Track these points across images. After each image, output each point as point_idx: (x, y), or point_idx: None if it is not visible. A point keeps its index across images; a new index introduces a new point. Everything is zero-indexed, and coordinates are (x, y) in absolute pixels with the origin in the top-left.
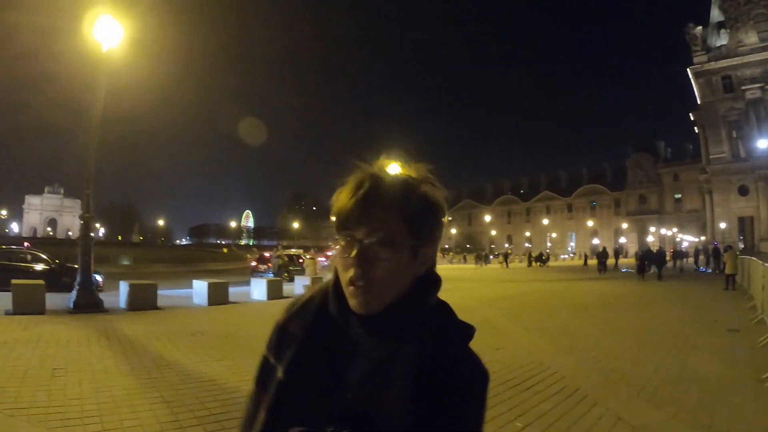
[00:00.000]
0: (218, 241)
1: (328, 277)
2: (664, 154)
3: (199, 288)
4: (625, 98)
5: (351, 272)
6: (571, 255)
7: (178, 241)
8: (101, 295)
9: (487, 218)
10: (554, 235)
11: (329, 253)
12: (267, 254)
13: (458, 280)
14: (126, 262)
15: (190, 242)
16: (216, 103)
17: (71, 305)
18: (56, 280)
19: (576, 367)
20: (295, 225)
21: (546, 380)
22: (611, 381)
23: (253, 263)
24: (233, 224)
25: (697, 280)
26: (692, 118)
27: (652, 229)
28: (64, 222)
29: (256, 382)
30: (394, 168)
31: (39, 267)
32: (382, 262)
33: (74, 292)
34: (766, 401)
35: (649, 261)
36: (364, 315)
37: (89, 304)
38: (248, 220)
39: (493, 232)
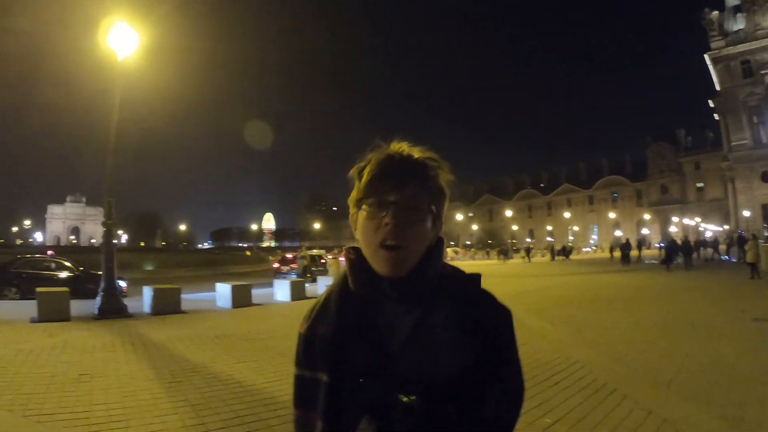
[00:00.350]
0: (240, 245)
1: None
2: (685, 142)
3: (223, 291)
4: (643, 87)
5: (383, 234)
6: (594, 248)
7: (200, 246)
8: (125, 301)
9: (508, 213)
10: (576, 228)
11: None
12: (289, 256)
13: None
14: (149, 268)
15: (212, 246)
16: (235, 108)
17: (96, 311)
18: (81, 287)
19: (603, 361)
20: (316, 226)
21: (574, 374)
22: (639, 374)
23: (276, 265)
24: (254, 227)
25: (722, 270)
26: (712, 105)
27: (675, 219)
28: (87, 230)
29: (298, 404)
30: (406, 148)
31: (63, 274)
32: (415, 223)
33: (98, 299)
34: None
35: (674, 251)
36: (395, 277)
37: (114, 309)
38: (269, 223)
39: (515, 227)
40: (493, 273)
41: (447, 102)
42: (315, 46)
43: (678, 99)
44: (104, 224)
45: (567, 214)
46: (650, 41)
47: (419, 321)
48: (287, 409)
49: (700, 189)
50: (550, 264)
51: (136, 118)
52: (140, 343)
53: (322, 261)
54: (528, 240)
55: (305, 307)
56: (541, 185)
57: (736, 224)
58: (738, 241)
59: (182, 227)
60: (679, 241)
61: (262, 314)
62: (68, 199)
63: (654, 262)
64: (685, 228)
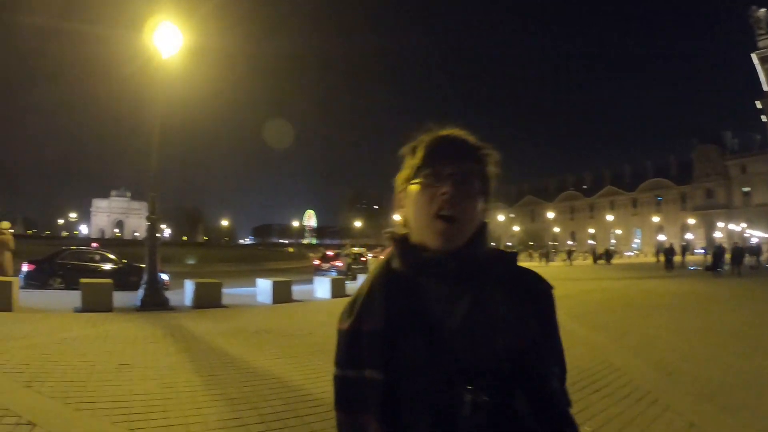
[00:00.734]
0: (281, 241)
1: None
2: (731, 144)
3: (263, 286)
4: (689, 88)
5: (439, 204)
6: (636, 252)
7: (241, 241)
8: (167, 294)
9: (550, 215)
10: (618, 231)
11: None
12: (330, 253)
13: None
14: (191, 262)
15: (253, 242)
16: (278, 105)
17: (138, 303)
18: (124, 279)
19: (645, 369)
20: (357, 224)
21: (614, 382)
22: (682, 384)
23: (316, 262)
24: (295, 224)
25: None
26: (759, 106)
27: (720, 224)
28: (130, 223)
29: (342, 407)
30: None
31: (107, 266)
32: (470, 196)
33: (141, 291)
34: None
35: (722, 257)
36: (448, 251)
37: (156, 302)
38: (310, 220)
39: (556, 229)
40: None
41: (490, 102)
42: (358, 44)
43: (724, 100)
44: (148, 218)
45: (610, 217)
46: (696, 41)
47: (476, 297)
48: (325, 407)
49: (746, 193)
50: (591, 267)
51: (182, 116)
52: (181, 335)
53: (363, 259)
54: (569, 242)
55: (345, 304)
56: (584, 187)
57: None
58: None
59: (224, 223)
60: (727, 247)
61: (302, 310)
62: (113, 193)
63: (698, 268)
64: (730, 233)
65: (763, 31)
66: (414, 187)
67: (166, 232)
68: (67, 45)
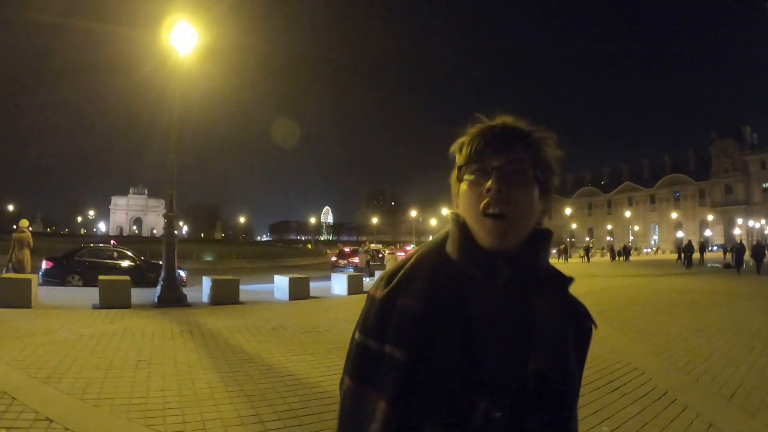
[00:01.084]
0: (298, 237)
1: None
2: (751, 140)
3: (281, 283)
4: (708, 82)
5: (486, 201)
6: (655, 248)
7: (258, 238)
8: (185, 290)
9: (568, 211)
10: (636, 227)
11: (408, 248)
12: (347, 249)
13: None
14: (208, 258)
15: (271, 239)
16: (295, 103)
17: (156, 300)
18: (141, 276)
19: (664, 368)
20: (374, 221)
21: (633, 381)
22: (701, 384)
23: (333, 258)
24: (312, 220)
25: None
26: None
27: (740, 221)
28: (148, 221)
29: (355, 376)
30: (509, 119)
31: (125, 263)
32: (519, 188)
33: (159, 287)
34: None
35: (740, 255)
36: (502, 251)
37: (173, 298)
38: (327, 216)
39: (574, 225)
40: None
41: (507, 98)
42: (375, 42)
43: (744, 94)
44: (166, 216)
45: (628, 213)
46: (716, 35)
47: (522, 310)
48: None
49: (765, 189)
50: (609, 264)
51: (199, 114)
52: (198, 332)
53: (380, 256)
54: (587, 239)
55: (363, 301)
56: (602, 183)
57: None
58: None
59: (241, 220)
60: (746, 244)
61: (319, 307)
62: (131, 191)
63: (717, 265)
64: (749, 230)
65: None
66: (463, 186)
67: (184, 229)
68: (86, 44)
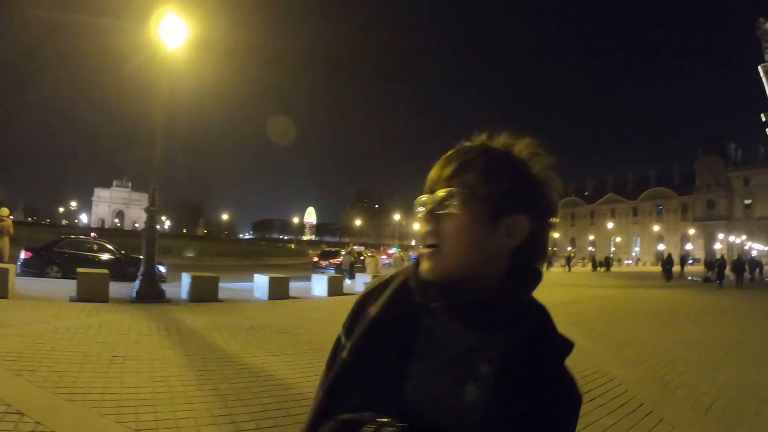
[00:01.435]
0: (281, 237)
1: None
2: (735, 156)
3: (260, 282)
4: (694, 98)
5: (424, 233)
6: (637, 260)
7: (241, 236)
8: (164, 286)
9: None
10: (618, 239)
11: (390, 251)
12: (329, 250)
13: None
14: (190, 255)
15: (253, 236)
16: (283, 100)
17: (134, 294)
18: (121, 270)
19: (641, 380)
20: (357, 222)
21: (610, 392)
22: (678, 396)
23: (315, 259)
24: (296, 220)
25: None
26: (764, 119)
27: (721, 236)
28: (131, 214)
29: (327, 363)
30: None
31: (105, 256)
32: (453, 216)
33: (137, 282)
34: None
35: (722, 269)
36: (432, 280)
37: (152, 294)
38: (311, 217)
39: (556, 235)
40: None
41: (491, 107)
42: (366, 40)
43: (729, 111)
44: (147, 210)
45: (610, 225)
46: (703, 51)
47: (469, 350)
48: None
49: (747, 206)
50: (590, 274)
51: (185, 108)
52: (175, 328)
53: (362, 258)
54: (569, 249)
55: (342, 303)
56: (586, 193)
57: None
58: None
59: (224, 217)
60: (727, 259)
61: (298, 307)
62: (115, 183)
63: (697, 279)
64: (730, 245)
65: None
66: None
67: (167, 224)
68: (75, 36)
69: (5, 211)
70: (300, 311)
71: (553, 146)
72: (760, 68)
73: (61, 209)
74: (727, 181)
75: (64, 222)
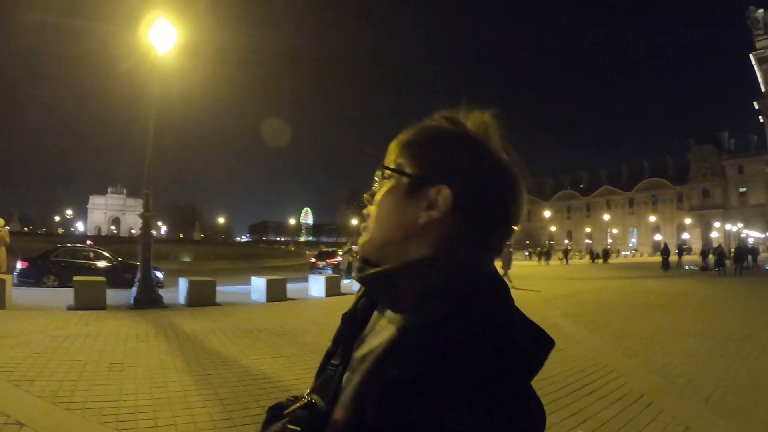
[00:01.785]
0: (277, 238)
1: None
2: (728, 145)
3: (258, 285)
4: (686, 88)
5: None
6: (633, 251)
7: (238, 239)
8: (161, 292)
9: (547, 214)
10: (615, 230)
11: None
12: (326, 250)
13: (518, 277)
14: (187, 259)
15: (250, 239)
16: (275, 102)
17: (131, 301)
18: (118, 277)
19: (640, 371)
20: (354, 222)
21: (609, 384)
22: (677, 386)
23: (312, 260)
24: (292, 221)
25: None
26: (756, 107)
27: (717, 224)
28: (127, 221)
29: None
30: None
31: (101, 264)
32: (383, 196)
33: (134, 289)
34: None
35: (722, 258)
36: (364, 257)
37: (149, 300)
38: (307, 218)
39: (553, 228)
40: (531, 275)
41: (485, 99)
42: (355, 41)
43: (722, 100)
44: (142, 216)
45: (606, 216)
46: (695, 41)
47: (369, 336)
48: None
49: (742, 194)
50: (588, 267)
51: (178, 112)
52: (173, 334)
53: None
54: (566, 242)
55: (340, 303)
56: (581, 186)
57: None
58: None
59: (221, 220)
60: (725, 247)
61: (296, 309)
62: (109, 190)
63: (694, 268)
64: (726, 234)
65: (761, 32)
66: None
67: (163, 229)
68: (65, 42)
69: (0, 221)
70: (298, 313)
71: (549, 139)
72: (752, 56)
73: (57, 218)
74: (721, 170)
75: (60, 231)
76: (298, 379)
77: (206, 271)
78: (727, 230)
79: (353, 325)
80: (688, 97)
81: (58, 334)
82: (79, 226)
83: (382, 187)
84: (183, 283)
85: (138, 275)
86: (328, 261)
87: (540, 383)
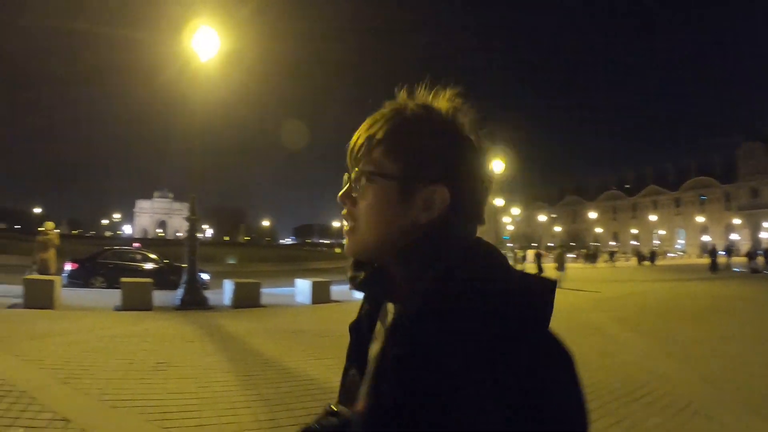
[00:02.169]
0: (321, 241)
1: None
2: None
3: (302, 286)
4: (734, 84)
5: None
6: (680, 252)
7: (282, 241)
8: (207, 293)
9: (592, 215)
10: (662, 231)
11: None
12: None
13: (564, 278)
14: (232, 261)
15: (295, 242)
16: (319, 107)
17: (177, 302)
18: (164, 279)
19: (689, 377)
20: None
21: (656, 391)
22: (727, 394)
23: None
24: (336, 224)
25: None
26: None
27: (766, 224)
28: (173, 223)
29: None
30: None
31: (148, 266)
32: (366, 196)
33: (181, 290)
34: None
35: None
36: (355, 258)
37: (195, 301)
38: None
39: (598, 229)
40: (576, 277)
41: (531, 99)
42: (402, 45)
43: None
44: (188, 219)
45: (653, 217)
46: (745, 37)
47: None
48: None
49: None
50: (635, 269)
51: (223, 117)
52: (218, 335)
53: None
54: (612, 243)
55: None
56: (626, 186)
57: None
58: None
59: (265, 223)
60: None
61: (340, 311)
62: (155, 194)
63: (743, 270)
64: None
65: None
66: None
67: (209, 232)
68: (112, 50)
69: (50, 224)
70: (342, 315)
71: (591, 138)
72: None
73: (105, 221)
74: None
75: (107, 234)
76: None
77: (251, 273)
78: None
79: (361, 333)
80: (736, 93)
81: (105, 333)
82: (127, 229)
83: (365, 188)
84: (228, 285)
85: (184, 277)
86: None
87: (587, 388)
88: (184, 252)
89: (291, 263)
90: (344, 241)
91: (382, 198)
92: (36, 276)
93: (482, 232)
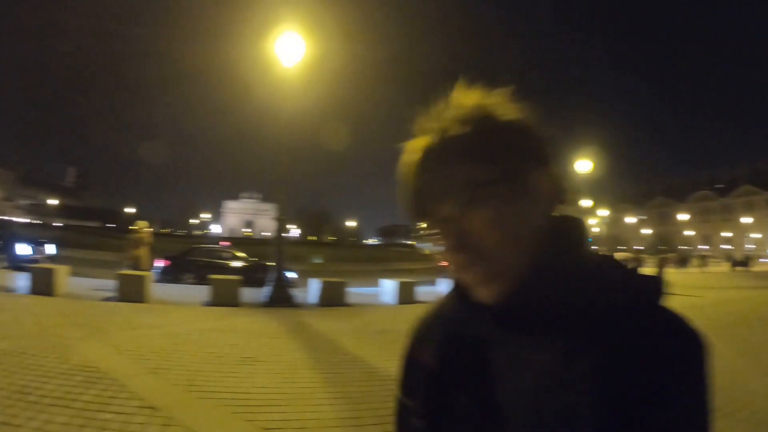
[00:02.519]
0: (406, 242)
1: None
2: None
3: (387, 286)
4: None
5: (456, 257)
6: None
7: (367, 241)
8: (293, 291)
9: (681, 217)
10: (757, 235)
11: None
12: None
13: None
14: (317, 261)
15: (380, 242)
16: (403, 108)
17: (264, 299)
18: (251, 276)
19: None
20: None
21: (749, 406)
22: None
23: (444, 263)
24: (423, 225)
25: None
26: None
27: None
28: (260, 223)
29: (396, 429)
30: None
31: (235, 264)
32: (480, 216)
33: (267, 287)
34: None
35: None
36: (497, 300)
37: (281, 298)
38: None
39: (688, 232)
40: (670, 281)
41: (616, 97)
42: (496, 54)
43: None
44: (275, 219)
45: (746, 219)
46: None
47: (545, 370)
48: None
49: None
50: (728, 274)
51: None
52: (304, 332)
53: None
54: (701, 246)
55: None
56: (718, 186)
57: None
58: None
59: (351, 223)
60: None
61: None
62: (243, 195)
63: None
64: None
65: None
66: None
67: (295, 232)
68: (200, 56)
69: (144, 223)
70: None
71: (681, 134)
72: None
73: (195, 221)
74: None
75: (197, 233)
76: None
77: (336, 272)
78: None
79: (469, 381)
80: None
81: (193, 327)
82: (215, 228)
83: (477, 204)
84: (314, 284)
85: (271, 275)
86: None
87: None
88: (270, 251)
89: (375, 263)
90: (473, 281)
91: (500, 201)
92: (130, 272)
93: None
